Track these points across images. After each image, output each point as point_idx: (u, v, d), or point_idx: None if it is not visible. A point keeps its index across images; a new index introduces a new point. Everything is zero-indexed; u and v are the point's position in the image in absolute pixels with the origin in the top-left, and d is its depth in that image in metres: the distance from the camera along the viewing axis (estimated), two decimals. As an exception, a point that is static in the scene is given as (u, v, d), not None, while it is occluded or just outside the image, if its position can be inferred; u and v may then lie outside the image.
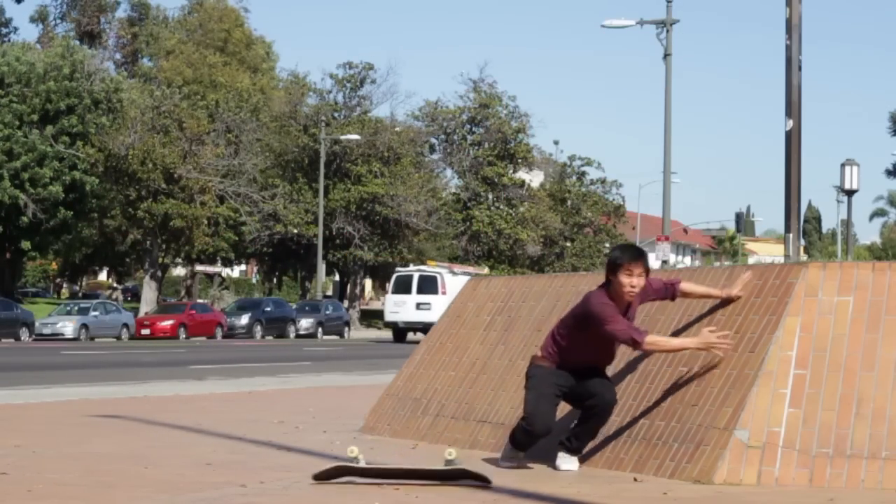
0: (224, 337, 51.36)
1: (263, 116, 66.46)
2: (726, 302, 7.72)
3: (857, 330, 7.19)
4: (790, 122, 11.51)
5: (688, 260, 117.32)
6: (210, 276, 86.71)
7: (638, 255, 7.59)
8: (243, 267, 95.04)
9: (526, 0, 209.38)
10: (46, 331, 48.04)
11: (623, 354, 8.26)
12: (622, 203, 78.76)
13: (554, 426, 7.69)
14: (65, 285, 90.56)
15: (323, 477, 6.91)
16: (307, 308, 58.55)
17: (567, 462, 7.71)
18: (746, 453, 6.93)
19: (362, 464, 6.92)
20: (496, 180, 71.62)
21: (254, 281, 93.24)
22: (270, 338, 53.22)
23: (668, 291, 7.82)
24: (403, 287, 47.44)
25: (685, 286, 7.88)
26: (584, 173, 78.07)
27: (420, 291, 46.59)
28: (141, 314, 55.50)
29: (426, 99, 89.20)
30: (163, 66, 75.77)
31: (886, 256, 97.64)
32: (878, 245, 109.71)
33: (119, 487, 6.79)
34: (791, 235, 11.49)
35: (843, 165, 35.57)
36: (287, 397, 14.66)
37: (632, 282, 7.47)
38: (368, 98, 67.83)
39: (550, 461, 7.74)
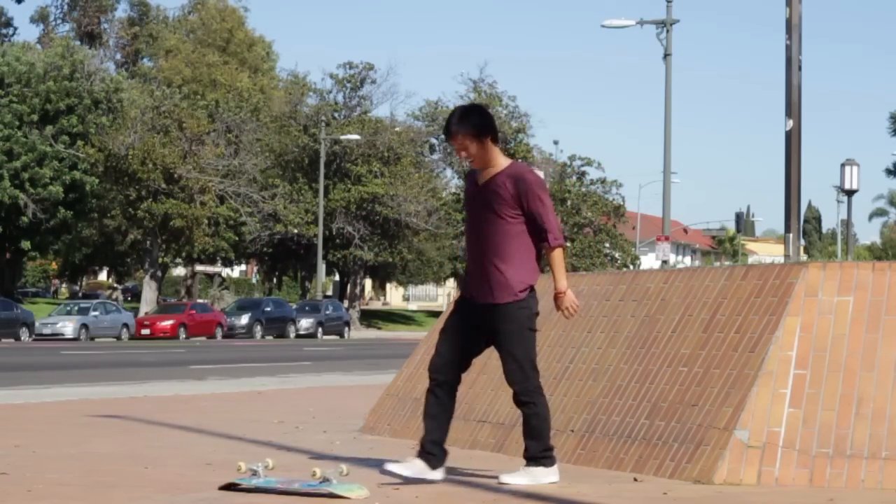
0: (224, 337, 51.38)
1: (263, 116, 66.50)
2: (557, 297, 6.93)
3: (857, 330, 7.19)
4: (790, 122, 11.51)
5: (688, 260, 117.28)
6: (210, 276, 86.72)
7: (447, 130, 6.86)
8: (243, 267, 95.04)
9: (526, 0, 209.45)
10: (46, 331, 48.08)
11: (623, 354, 8.24)
12: (622, 203, 78.70)
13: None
14: (64, 286, 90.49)
15: (225, 488, 6.74)
16: (307, 308, 58.58)
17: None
18: (746, 453, 6.93)
19: (255, 481, 6.60)
20: (496, 180, 71.54)
21: (254, 281, 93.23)
22: (270, 338, 53.24)
23: (542, 237, 6.83)
24: None
25: (554, 256, 6.83)
26: (584, 173, 78.03)
27: None
28: (141, 314, 55.52)
29: (426, 99, 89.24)
30: (162, 66, 75.81)
31: (886, 256, 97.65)
32: (878, 245, 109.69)
33: (119, 487, 6.79)
34: (791, 235, 11.48)
35: (843, 165, 35.56)
36: (287, 397, 14.66)
37: (462, 154, 6.89)
38: (368, 98, 67.88)
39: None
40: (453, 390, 6.96)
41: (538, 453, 6.88)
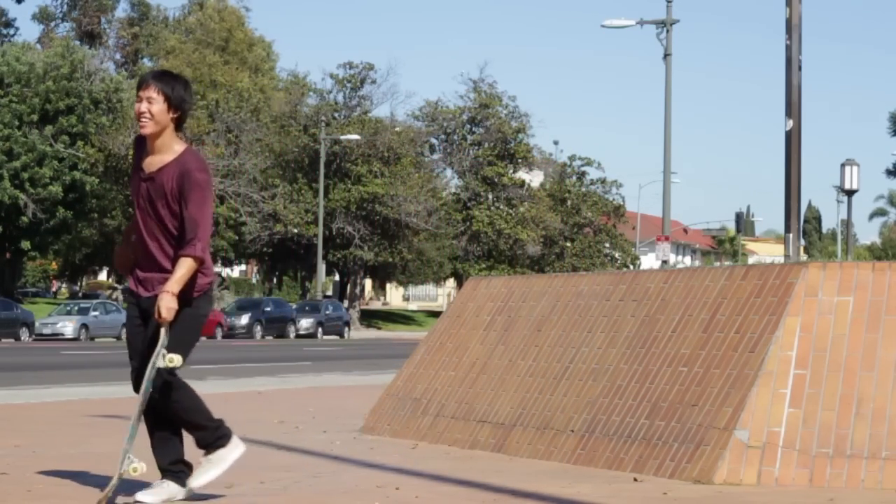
0: (224, 337, 51.34)
1: (263, 116, 66.49)
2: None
3: (857, 330, 7.19)
4: (790, 122, 11.51)
5: (688, 260, 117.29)
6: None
7: (150, 75, 6.16)
8: (243, 267, 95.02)
9: (526, 0, 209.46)
10: (46, 331, 48.05)
11: (623, 354, 8.24)
12: (622, 203, 78.77)
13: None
14: (64, 286, 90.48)
15: None
16: (307, 308, 58.57)
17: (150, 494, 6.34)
18: (746, 453, 6.93)
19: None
20: (496, 180, 71.64)
21: (254, 281, 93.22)
22: (270, 338, 53.21)
23: (183, 242, 6.07)
24: None
25: (185, 262, 6.05)
26: (584, 173, 78.12)
27: None
28: (141, 314, 55.45)
29: (426, 99, 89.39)
30: (162, 66, 75.84)
31: (886, 256, 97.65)
32: (878, 245, 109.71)
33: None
34: (791, 235, 11.48)
35: (843, 165, 35.55)
36: (287, 397, 14.66)
37: (140, 107, 6.06)
38: (368, 98, 67.89)
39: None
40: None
41: (212, 440, 6.52)
